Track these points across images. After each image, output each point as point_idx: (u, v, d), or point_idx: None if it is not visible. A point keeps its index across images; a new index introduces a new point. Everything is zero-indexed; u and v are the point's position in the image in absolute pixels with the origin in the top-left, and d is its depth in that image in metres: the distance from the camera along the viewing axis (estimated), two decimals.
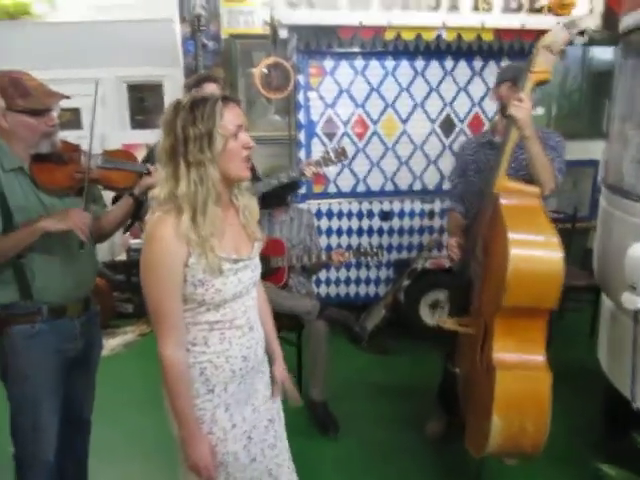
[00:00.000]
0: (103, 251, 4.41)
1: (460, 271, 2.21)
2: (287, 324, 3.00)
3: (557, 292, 1.82)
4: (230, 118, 1.33)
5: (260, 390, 1.57)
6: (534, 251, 1.84)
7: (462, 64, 3.88)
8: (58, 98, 1.80)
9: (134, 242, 4.42)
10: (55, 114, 1.80)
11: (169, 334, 1.36)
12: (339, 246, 3.91)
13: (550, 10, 1.89)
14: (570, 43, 1.96)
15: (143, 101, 5.32)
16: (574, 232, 3.84)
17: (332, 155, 2.76)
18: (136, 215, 2.09)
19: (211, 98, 1.33)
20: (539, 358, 1.89)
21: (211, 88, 2.55)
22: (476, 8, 3.44)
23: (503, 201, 1.93)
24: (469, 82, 3.91)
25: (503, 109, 2.21)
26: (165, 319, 1.36)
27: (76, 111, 4.89)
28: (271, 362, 1.67)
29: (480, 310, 2.07)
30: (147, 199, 1.90)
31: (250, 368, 1.50)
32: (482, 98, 3.94)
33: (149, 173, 1.98)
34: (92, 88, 1.86)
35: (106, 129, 4.95)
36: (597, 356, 2.68)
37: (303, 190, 3.84)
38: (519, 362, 1.89)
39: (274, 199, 3.04)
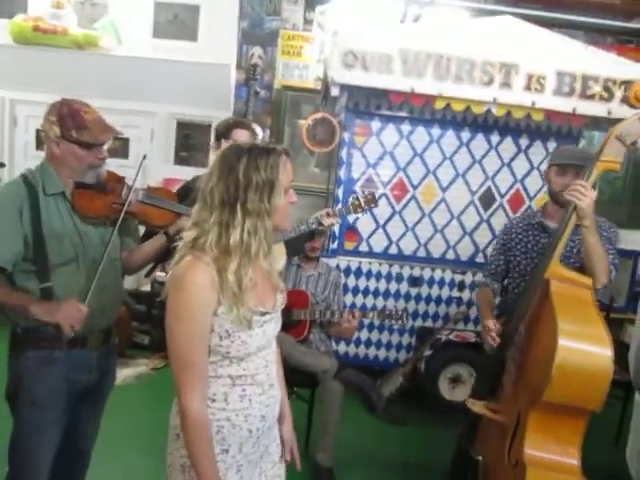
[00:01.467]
0: (128, 279, 4.45)
1: (496, 353, 2.10)
2: (301, 380, 2.92)
3: (603, 393, 1.72)
4: (287, 173, 1.33)
5: (271, 454, 1.51)
6: (584, 345, 1.75)
7: (508, 140, 3.88)
8: (111, 134, 1.85)
9: (160, 275, 4.43)
10: (105, 148, 1.85)
11: (194, 387, 1.29)
12: (364, 306, 3.84)
13: (625, 101, 1.87)
14: None
15: (189, 139, 5.47)
16: (608, 322, 3.68)
17: (362, 201, 2.72)
18: (163, 258, 2.08)
19: (275, 149, 1.32)
20: (574, 462, 1.77)
21: (241, 134, 2.54)
22: (528, 88, 3.46)
23: (554, 288, 1.86)
24: (513, 159, 3.91)
25: (552, 193, 2.21)
26: (192, 370, 1.29)
27: (125, 141, 5.05)
28: (280, 421, 1.59)
29: (514, 398, 1.96)
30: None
31: (266, 428, 1.43)
32: (525, 176, 3.92)
33: (189, 215, 1.99)
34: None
35: (150, 162, 5.08)
36: (625, 458, 2.51)
37: (334, 245, 3.83)
38: (553, 463, 1.76)
39: (291, 249, 3.02)
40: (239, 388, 1.36)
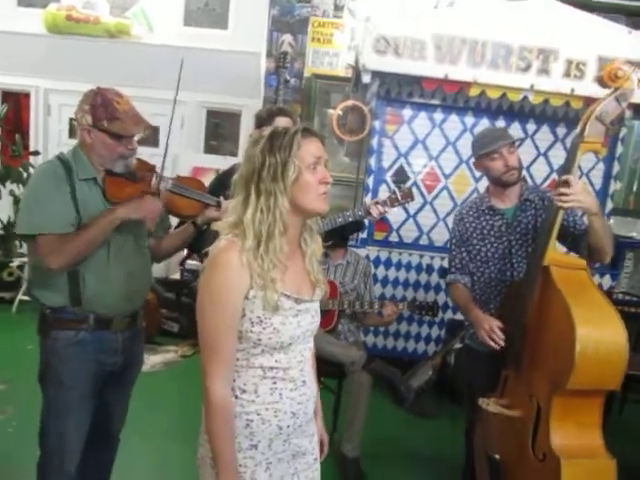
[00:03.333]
0: (158, 267, 4.49)
1: (503, 351, 2.01)
2: (329, 370, 2.89)
3: (623, 372, 1.71)
4: (309, 149, 1.29)
5: (306, 454, 1.45)
6: (600, 328, 1.72)
7: (545, 129, 3.77)
8: (143, 127, 1.84)
9: (189, 263, 4.45)
10: (136, 139, 1.84)
11: (220, 370, 1.27)
12: (393, 297, 3.79)
13: (599, 81, 1.84)
14: (621, 116, 1.94)
15: (219, 127, 5.47)
16: None
17: (399, 195, 2.67)
18: (195, 247, 2.08)
19: (292, 129, 1.30)
20: (599, 442, 1.75)
21: (283, 122, 2.50)
22: (567, 74, 3.34)
23: (556, 275, 1.84)
24: (550, 148, 3.79)
25: (494, 178, 2.22)
26: (219, 353, 1.27)
27: (155, 129, 5.07)
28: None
29: (527, 391, 1.90)
30: (207, 231, 1.89)
31: (298, 426, 1.39)
32: (562, 166, 3.79)
33: (218, 205, 1.98)
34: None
35: (180, 150, 5.10)
36: None
37: (364, 235, 3.78)
38: (583, 449, 1.73)
39: (335, 237, 2.98)
40: (269, 380, 1.33)
